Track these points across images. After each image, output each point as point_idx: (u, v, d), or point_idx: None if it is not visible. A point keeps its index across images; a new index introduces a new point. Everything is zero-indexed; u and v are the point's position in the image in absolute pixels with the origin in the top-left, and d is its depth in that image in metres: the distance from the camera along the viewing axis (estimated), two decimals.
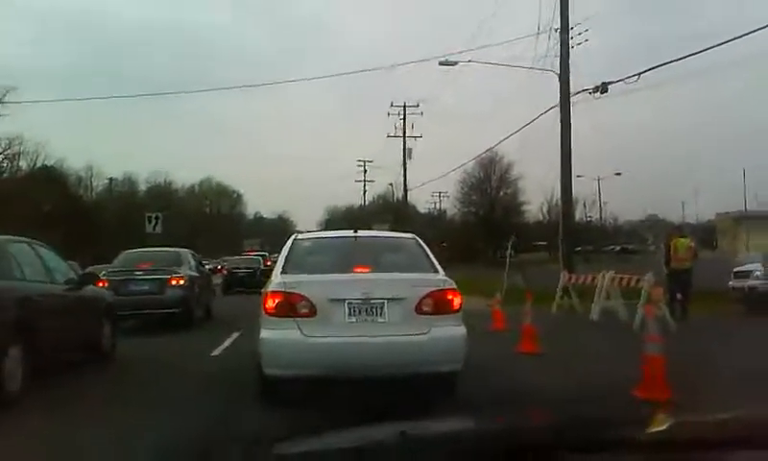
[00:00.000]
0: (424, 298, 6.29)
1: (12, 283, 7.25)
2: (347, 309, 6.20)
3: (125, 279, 13.45)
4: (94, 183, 69.17)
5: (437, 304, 6.31)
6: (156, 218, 26.75)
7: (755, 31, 16.01)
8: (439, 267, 6.85)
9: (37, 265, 8.14)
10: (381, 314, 6.23)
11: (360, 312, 6.21)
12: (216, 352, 10.38)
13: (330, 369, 6.11)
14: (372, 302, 6.22)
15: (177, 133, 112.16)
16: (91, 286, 9.79)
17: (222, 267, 38.69)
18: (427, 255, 7.06)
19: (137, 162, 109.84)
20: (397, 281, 6.50)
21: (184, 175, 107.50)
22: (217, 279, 26.93)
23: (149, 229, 26.52)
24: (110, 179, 67.76)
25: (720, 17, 72.54)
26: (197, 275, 15.17)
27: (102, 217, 57.80)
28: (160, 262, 14.47)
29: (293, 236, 7.74)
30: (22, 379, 6.75)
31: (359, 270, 6.62)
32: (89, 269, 11.72)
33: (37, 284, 7.88)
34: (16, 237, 8.31)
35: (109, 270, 13.99)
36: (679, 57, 18.45)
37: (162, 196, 73.31)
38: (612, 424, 1.44)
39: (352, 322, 6.19)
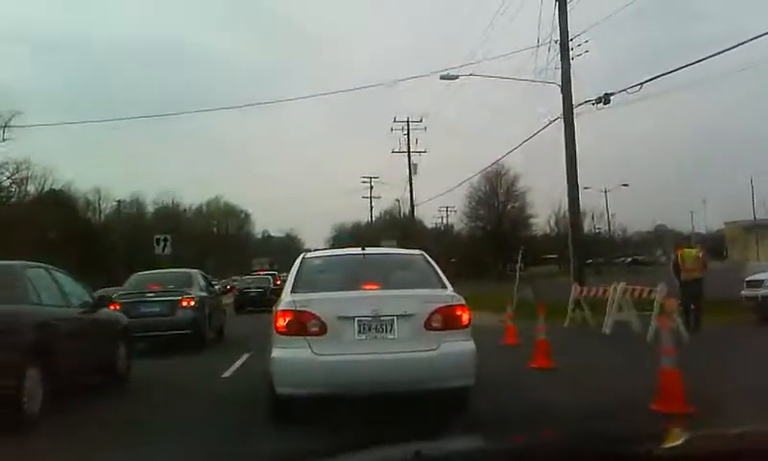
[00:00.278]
0: (433, 314, 6.31)
1: (30, 308, 7.45)
2: (356, 327, 6.24)
3: (136, 302, 13.47)
4: (102, 206, 69.58)
5: (446, 320, 6.33)
6: (165, 240, 26.82)
7: (757, 37, 15.97)
8: (447, 283, 6.87)
9: (54, 289, 8.30)
10: (391, 331, 6.25)
11: (370, 329, 6.24)
12: (227, 374, 10.34)
13: (341, 387, 6.17)
14: (382, 318, 6.24)
15: (184, 153, 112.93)
16: (107, 309, 9.95)
17: (232, 287, 38.83)
18: (435, 271, 7.08)
19: (145, 184, 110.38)
20: (406, 298, 6.53)
21: (192, 195, 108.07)
22: (227, 299, 27.20)
23: (158, 250, 26.59)
24: (118, 201, 68.15)
25: (724, 23, 72.56)
26: (207, 295, 15.22)
27: (110, 240, 58.05)
28: (171, 284, 14.54)
29: (302, 255, 7.80)
30: (41, 402, 6.89)
31: (368, 287, 6.68)
32: (100, 292, 11.77)
33: (54, 308, 8.02)
34: (33, 262, 8.51)
35: (120, 293, 14.08)
36: (680, 66, 18.42)
37: (170, 217, 73.60)
38: (627, 440, 1.42)
39: (362, 339, 6.22)
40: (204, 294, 14.91)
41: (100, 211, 69.56)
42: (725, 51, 17.02)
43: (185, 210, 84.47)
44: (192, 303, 13.89)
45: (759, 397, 6.68)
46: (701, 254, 15.43)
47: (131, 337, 10.36)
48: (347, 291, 6.67)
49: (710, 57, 17.55)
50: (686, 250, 15.50)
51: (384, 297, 6.49)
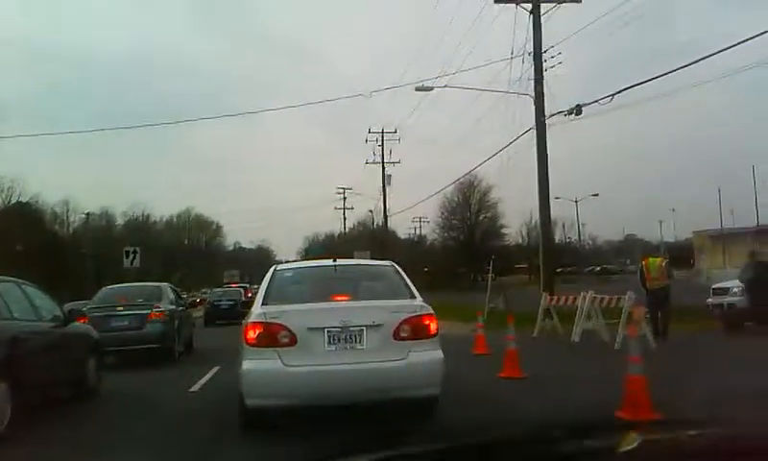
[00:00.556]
0: (402, 324, 6.40)
1: (0, 322, 7.45)
2: (326, 337, 6.30)
3: (105, 316, 13.39)
4: (71, 218, 68.59)
5: (414, 330, 6.42)
6: (134, 252, 26.51)
7: (723, 50, 16.34)
8: (416, 293, 6.94)
9: (24, 303, 8.36)
10: (360, 341, 6.32)
11: (339, 340, 6.31)
12: (195, 388, 10.21)
13: (311, 397, 6.25)
14: (351, 329, 6.32)
15: (155, 165, 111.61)
16: (77, 323, 9.95)
17: (202, 300, 38.46)
18: (404, 282, 7.15)
19: (115, 196, 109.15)
20: (375, 308, 6.59)
21: (163, 207, 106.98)
22: (197, 313, 27.17)
23: (127, 263, 26.26)
24: (87, 213, 67.17)
25: (694, 35, 74.15)
26: (176, 309, 15.18)
27: (79, 252, 57.12)
28: (140, 297, 14.55)
29: (273, 267, 7.81)
30: (10, 416, 6.90)
31: (338, 298, 6.78)
32: (68, 305, 11.74)
33: (24, 323, 8.07)
34: (2, 276, 8.52)
35: (90, 306, 13.91)
36: (650, 77, 18.74)
37: (140, 229, 72.76)
38: (582, 443, 1.43)
39: (332, 350, 6.28)
40: (173, 307, 14.92)
41: (68, 224, 68.56)
42: (693, 63, 17.38)
43: (156, 222, 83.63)
44: (161, 317, 13.91)
45: (724, 402, 6.78)
46: (664, 264, 15.66)
47: (101, 351, 10.37)
48: (317, 303, 6.74)
49: (679, 69, 17.91)
50: (651, 259, 15.73)
51: (353, 308, 6.57)
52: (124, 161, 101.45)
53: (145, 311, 13.83)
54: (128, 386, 10.59)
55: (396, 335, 6.36)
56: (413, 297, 6.84)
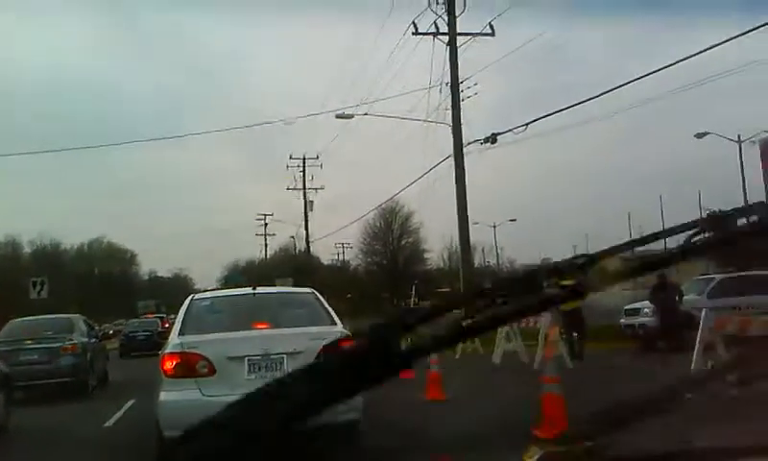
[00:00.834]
0: (322, 350, 6.32)
1: None
2: (247, 366, 6.30)
3: (14, 350, 12.91)
4: None
5: None
6: (42, 283, 25.35)
7: (628, 82, 17.25)
8: (337, 319, 7.02)
9: None
10: (281, 369, 6.29)
11: (260, 368, 6.31)
12: (109, 423, 9.81)
13: None
14: (272, 357, 6.33)
15: (64, 191, 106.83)
16: None
17: (116, 331, 37.19)
18: (325, 308, 7.23)
19: (21, 224, 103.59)
20: (295, 336, 6.60)
21: (73, 236, 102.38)
22: (111, 344, 26.39)
23: (33, 294, 25.05)
24: None
25: (604, 68, 77.89)
26: (89, 341, 14.90)
27: None
28: (50, 330, 14.17)
29: (190, 297, 7.78)
30: None
31: (258, 326, 6.80)
32: None
33: None
34: None
35: None
36: (560, 108, 19.59)
37: (49, 259, 69.48)
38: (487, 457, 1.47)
39: (252, 378, 6.22)
40: (85, 340, 14.63)
41: None
42: (599, 96, 18.28)
43: (66, 251, 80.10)
44: (73, 350, 13.62)
45: (635, 416, 7.02)
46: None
47: (11, 386, 10.06)
48: (236, 331, 6.73)
49: (586, 101, 18.80)
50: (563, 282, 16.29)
51: (274, 336, 6.58)
52: (32, 189, 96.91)
53: (56, 345, 13.50)
54: (37, 422, 10.09)
55: None
56: (333, 323, 6.91)
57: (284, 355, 6.36)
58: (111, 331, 38.32)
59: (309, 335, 6.55)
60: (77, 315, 16.53)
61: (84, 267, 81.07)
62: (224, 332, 6.73)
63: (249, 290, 7.76)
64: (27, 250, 73.70)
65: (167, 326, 27.82)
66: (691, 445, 1.55)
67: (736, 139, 34.99)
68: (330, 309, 7.24)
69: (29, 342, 13.50)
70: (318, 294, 7.72)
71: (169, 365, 6.32)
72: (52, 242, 76.94)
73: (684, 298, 16.02)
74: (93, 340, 15.52)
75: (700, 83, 18.75)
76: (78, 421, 10.28)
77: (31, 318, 16.20)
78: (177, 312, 7.62)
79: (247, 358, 6.30)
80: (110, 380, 16.20)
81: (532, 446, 1.35)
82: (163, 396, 6.26)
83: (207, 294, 9.04)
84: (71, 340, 13.83)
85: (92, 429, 9.33)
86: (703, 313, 9.63)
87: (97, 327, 19.36)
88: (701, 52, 15.06)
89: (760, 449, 1.44)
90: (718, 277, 17.48)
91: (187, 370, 6.24)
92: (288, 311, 7.51)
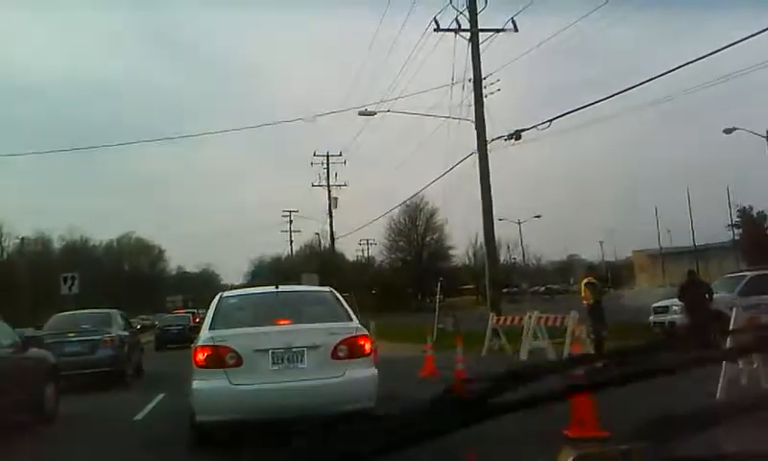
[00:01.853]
0: (339, 344, 6.97)
1: None
2: (270, 358, 6.84)
3: (58, 342, 13.40)
4: (4, 243, 66.07)
5: (350, 350, 7.02)
6: (72, 278, 25.68)
7: (654, 77, 16.99)
8: (353, 315, 7.53)
9: None
10: (301, 361, 6.88)
11: (282, 360, 6.85)
12: (139, 416, 9.93)
13: (257, 413, 6.70)
14: (293, 350, 6.87)
15: (94, 188, 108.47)
16: (35, 349, 10.11)
17: (140, 327, 38.41)
18: (342, 305, 7.76)
19: (51, 220, 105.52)
20: (315, 331, 7.13)
21: (102, 232, 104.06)
22: (145, 338, 27.29)
23: (64, 290, 25.40)
24: (22, 238, 64.80)
25: (626, 64, 76.93)
26: (126, 334, 15.81)
27: (13, 279, 54.99)
28: (91, 324, 15.07)
29: (219, 294, 8.31)
30: None
31: (281, 322, 7.27)
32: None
33: None
34: None
35: (42, 333, 13.85)
36: (585, 104, 19.35)
37: (79, 255, 70.58)
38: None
39: (276, 369, 6.82)
40: (123, 333, 15.55)
41: (2, 249, 66.04)
42: (624, 91, 18.02)
43: (95, 247, 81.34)
44: (112, 343, 14.44)
45: (665, 420, 6.92)
46: (584, 283, 15.95)
47: (59, 376, 10.49)
48: (261, 326, 7.23)
49: (611, 96, 18.56)
50: (582, 279, 16.18)
51: (295, 330, 7.09)
52: (61, 185, 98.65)
53: (97, 337, 14.33)
54: (75, 410, 10.40)
55: (334, 355, 6.93)
56: (349, 319, 7.41)
57: (304, 348, 6.88)
58: (139, 326, 38.95)
59: (327, 330, 7.11)
60: (115, 310, 17.30)
61: (113, 263, 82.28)
62: (250, 327, 7.22)
63: (272, 288, 8.33)
64: (57, 246, 75.04)
65: (197, 320, 28.89)
66: (724, 449, 1.52)
67: (765, 135, 34.35)
68: (347, 306, 7.75)
69: (72, 335, 14.23)
70: (336, 292, 8.24)
71: (201, 357, 6.84)
72: (82, 238, 78.26)
73: (715, 296, 15.76)
74: (129, 333, 16.38)
75: (728, 77, 18.35)
76: (111, 412, 10.56)
77: (72, 312, 17.14)
78: (204, 307, 8.54)
79: (271, 351, 6.82)
80: (145, 370, 16.95)
81: (565, 447, 1.34)
82: (196, 384, 6.80)
83: (235, 292, 9.50)
84: (110, 333, 14.64)
85: (123, 423, 9.45)
86: (734, 311, 9.43)
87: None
88: (729, 46, 14.75)
89: None
90: (749, 274, 17.16)
91: (217, 361, 6.75)
92: (308, 308, 8.01)
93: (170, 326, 32.63)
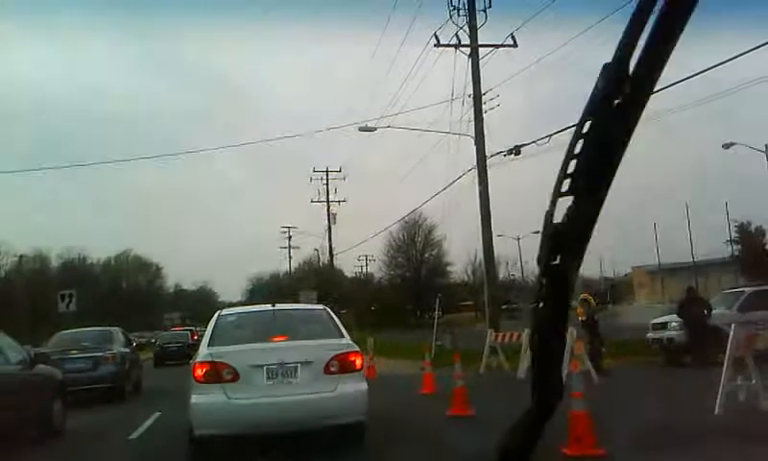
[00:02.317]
0: (331, 360, 7.25)
1: None
2: (265, 373, 7.10)
3: (61, 359, 13.57)
4: (2, 261, 65.93)
5: (342, 365, 7.28)
6: (70, 296, 25.66)
7: (655, 92, 17.06)
8: (345, 333, 7.82)
9: None
10: (295, 376, 7.15)
11: (277, 375, 7.12)
12: (134, 435, 9.87)
13: (253, 426, 6.98)
14: (287, 365, 7.14)
15: (91, 206, 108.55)
16: (43, 366, 10.36)
17: (136, 345, 38.69)
18: (335, 323, 8.05)
19: (49, 238, 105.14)
20: (308, 347, 7.44)
21: (100, 250, 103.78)
22: (145, 354, 27.89)
23: (62, 307, 25.37)
24: (20, 256, 64.62)
25: None
26: (127, 351, 16.30)
27: (11, 297, 54.81)
28: (93, 341, 15.48)
29: (217, 313, 8.59)
30: None
31: (276, 339, 7.58)
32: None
33: None
34: None
35: (45, 350, 13.92)
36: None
37: (77, 272, 70.46)
38: None
39: (270, 384, 7.09)
40: (124, 350, 16.03)
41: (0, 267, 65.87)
42: None
43: (93, 265, 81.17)
44: (113, 360, 14.88)
45: (664, 435, 6.91)
46: (579, 300, 15.92)
47: (66, 392, 10.84)
48: (257, 343, 7.53)
49: None
50: (579, 296, 16.21)
51: (289, 347, 7.42)
52: (59, 204, 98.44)
53: (99, 354, 14.71)
54: (82, 424, 10.71)
55: (327, 370, 7.20)
56: (341, 336, 7.71)
57: (298, 364, 7.16)
58: (135, 344, 38.90)
59: (320, 347, 7.42)
60: (116, 328, 17.78)
61: (111, 280, 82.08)
62: (246, 344, 7.49)
63: (268, 307, 8.70)
64: (55, 264, 74.88)
65: (196, 338, 29.18)
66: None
67: (764, 149, 34.46)
68: (339, 323, 8.07)
69: (74, 352, 14.57)
70: (329, 310, 8.62)
71: (199, 372, 7.11)
72: (80, 256, 78.11)
73: (714, 312, 15.75)
74: (130, 350, 16.78)
75: (725, 93, 18.46)
76: (107, 429, 10.62)
77: (75, 330, 17.31)
78: (201, 324, 8.82)
79: (266, 367, 7.09)
80: (144, 387, 17.22)
81: None
82: (194, 399, 7.06)
83: (233, 310, 9.86)
84: (111, 350, 15.06)
85: (118, 442, 9.43)
86: (732, 327, 9.41)
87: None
88: (726, 62, 14.84)
89: None
90: (748, 290, 17.15)
91: (215, 376, 7.03)
92: (302, 325, 8.35)
93: (169, 343, 33.45)
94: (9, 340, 9.83)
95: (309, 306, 11.64)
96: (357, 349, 7.64)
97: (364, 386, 7.42)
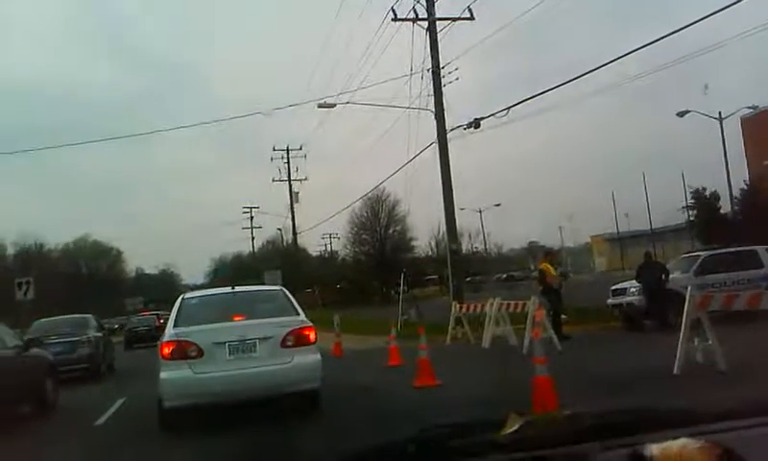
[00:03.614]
0: (287, 335, 7.99)
1: None
2: (227, 349, 7.81)
3: (42, 344, 14.37)
4: None
5: (297, 339, 8.04)
6: (27, 283, 25.02)
7: (608, 62, 17.31)
8: (300, 310, 8.57)
9: None
10: (254, 351, 7.88)
11: (238, 351, 7.83)
12: (101, 421, 9.75)
13: (218, 396, 7.74)
14: (247, 342, 7.87)
15: (47, 192, 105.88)
16: (35, 349, 11.66)
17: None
18: (290, 302, 8.78)
19: (3, 225, 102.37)
20: (266, 325, 8.12)
21: (58, 235, 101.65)
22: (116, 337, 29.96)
23: (19, 295, 24.73)
24: None
25: (584, 49, 78.06)
26: (100, 335, 17.94)
27: None
28: (70, 327, 17.15)
29: (181, 296, 9.33)
30: None
31: (236, 318, 8.25)
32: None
33: None
34: None
35: (27, 337, 14.49)
36: (541, 91, 19.60)
37: (33, 259, 68.87)
38: (470, 431, 1.49)
39: (232, 359, 7.81)
40: (98, 334, 17.75)
41: None
42: (578, 77, 18.32)
43: (51, 250, 79.41)
44: (89, 343, 16.55)
45: (622, 393, 7.10)
46: (539, 267, 16.23)
47: (56, 372, 12.03)
48: (219, 322, 8.15)
49: (568, 82, 18.83)
50: (540, 263, 16.50)
51: (248, 325, 8.09)
52: (13, 190, 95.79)
53: (76, 338, 16.25)
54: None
55: (283, 344, 7.93)
56: (297, 314, 8.43)
57: (256, 340, 7.89)
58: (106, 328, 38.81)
59: (276, 324, 8.12)
60: (89, 315, 19.50)
61: (70, 266, 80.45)
62: (209, 324, 8.08)
63: (229, 289, 9.56)
64: (10, 251, 73.08)
65: (161, 322, 29.88)
66: (668, 405, 1.59)
67: (717, 117, 35.22)
68: (295, 302, 8.79)
69: (54, 337, 15.71)
70: (285, 291, 9.31)
71: (167, 351, 7.80)
72: (36, 243, 76.35)
73: (671, 276, 16.14)
74: (102, 335, 18.40)
75: (680, 60, 18.82)
76: (72, 415, 10.74)
77: (52, 318, 18.80)
78: (164, 308, 9.40)
79: (227, 343, 7.80)
80: (116, 367, 18.99)
81: (513, 415, 1.37)
82: (163, 374, 7.72)
83: (195, 293, 10.56)
84: (86, 335, 16.71)
85: (84, 428, 9.33)
86: (688, 291, 9.67)
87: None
88: (680, 29, 15.09)
89: (733, 412, 1.46)
90: (703, 254, 17.61)
91: (181, 354, 7.70)
92: (260, 305, 8.98)
93: (137, 327, 35.96)
94: (4, 327, 10.90)
95: (266, 287, 12.73)
96: (311, 324, 8.33)
97: (317, 357, 8.17)
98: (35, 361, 11.11)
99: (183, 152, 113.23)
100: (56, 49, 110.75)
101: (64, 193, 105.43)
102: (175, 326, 8.11)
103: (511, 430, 1.34)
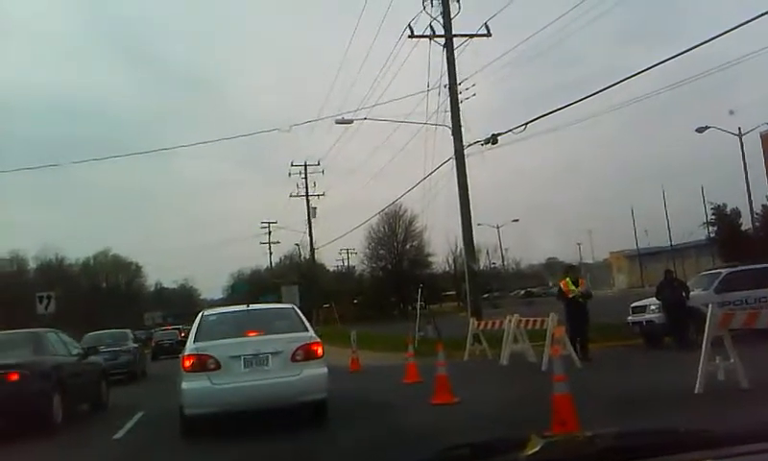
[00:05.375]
0: (297, 350, 8.72)
1: (51, 357, 11.07)
2: (242, 362, 8.54)
3: (97, 352, 16.26)
4: None
5: (305, 354, 8.76)
6: (48, 297, 25.32)
7: (627, 78, 17.25)
8: (309, 327, 9.41)
9: (60, 345, 12.00)
10: (267, 364, 8.62)
11: (252, 364, 8.58)
12: (119, 435, 9.82)
13: (233, 405, 8.51)
14: (260, 355, 8.61)
15: (68, 207, 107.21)
16: (93, 356, 13.54)
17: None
18: (300, 319, 9.58)
19: (26, 239, 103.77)
20: (277, 340, 8.86)
21: (78, 250, 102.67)
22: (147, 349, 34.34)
23: (40, 309, 25.03)
24: None
25: (601, 65, 77.84)
26: (136, 346, 22.21)
27: None
28: (113, 339, 21.01)
29: (201, 313, 10.08)
30: (61, 416, 10.26)
31: (251, 334, 8.96)
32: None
33: (62, 357, 11.57)
34: (46, 329, 12.81)
35: (84, 346, 16.24)
36: (559, 107, 19.53)
37: (55, 273, 69.62)
38: (491, 452, 1.49)
39: (247, 371, 8.54)
40: (135, 345, 22.15)
41: None
42: (598, 93, 18.27)
43: (71, 265, 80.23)
44: (129, 352, 20.65)
45: (643, 412, 7.00)
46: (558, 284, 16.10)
47: (109, 375, 14.22)
48: (235, 338, 8.91)
49: (586, 98, 18.78)
50: (562, 279, 16.37)
51: (261, 340, 8.79)
52: (35, 205, 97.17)
53: (117, 348, 20.02)
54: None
55: (293, 358, 8.66)
56: (306, 330, 9.24)
57: (269, 354, 8.62)
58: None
59: (287, 339, 8.87)
60: (127, 330, 24.41)
61: (90, 280, 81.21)
62: (226, 339, 8.86)
63: (244, 307, 10.77)
64: (32, 266, 73.97)
65: (183, 335, 31.81)
66: (691, 428, 1.58)
67: (737, 133, 34.93)
68: (304, 319, 9.62)
69: (102, 346, 17.90)
70: (296, 308, 10.22)
71: (188, 363, 8.54)
72: (57, 257, 77.21)
73: (691, 293, 15.96)
74: (138, 345, 22.63)
75: (698, 76, 18.70)
76: (94, 427, 10.74)
77: (99, 332, 22.68)
78: (184, 322, 9.86)
79: (242, 357, 8.53)
80: (147, 373, 22.48)
81: (533, 436, 1.37)
82: (184, 385, 8.46)
83: (214, 310, 11.29)
84: (126, 346, 20.96)
85: (103, 442, 9.42)
86: (709, 309, 9.56)
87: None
88: (702, 44, 15.01)
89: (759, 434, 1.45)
90: (724, 271, 17.40)
91: (200, 366, 8.45)
92: (273, 322, 9.74)
93: (162, 340, 40.48)
94: (68, 338, 12.77)
95: (279, 305, 14.25)
96: (318, 340, 9.12)
97: (324, 370, 8.86)
98: (93, 366, 13.04)
99: (203, 167, 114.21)
100: (81, 64, 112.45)
101: (85, 207, 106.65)
102: (195, 340, 8.86)
103: (532, 451, 1.34)
